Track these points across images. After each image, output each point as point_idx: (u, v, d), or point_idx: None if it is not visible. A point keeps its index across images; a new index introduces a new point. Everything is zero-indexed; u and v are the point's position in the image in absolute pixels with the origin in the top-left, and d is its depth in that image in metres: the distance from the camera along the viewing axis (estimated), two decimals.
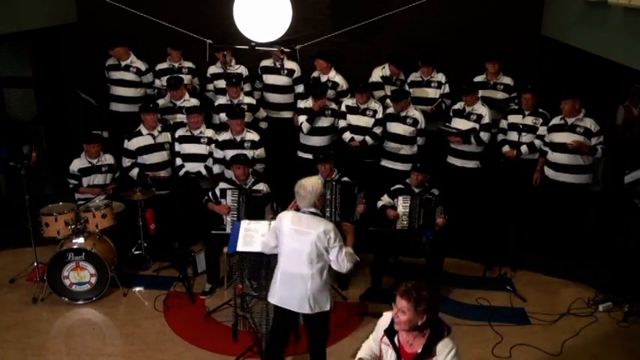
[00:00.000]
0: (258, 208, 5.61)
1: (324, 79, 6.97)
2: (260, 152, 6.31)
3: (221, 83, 7.05)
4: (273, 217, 5.59)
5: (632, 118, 7.39)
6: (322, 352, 4.38)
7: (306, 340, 4.44)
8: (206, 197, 5.81)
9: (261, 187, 5.77)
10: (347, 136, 6.54)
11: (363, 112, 6.52)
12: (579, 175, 5.95)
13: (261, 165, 6.39)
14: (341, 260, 4.05)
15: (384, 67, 6.98)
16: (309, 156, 6.46)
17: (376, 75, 6.99)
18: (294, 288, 4.08)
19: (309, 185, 4.07)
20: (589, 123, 5.87)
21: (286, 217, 4.13)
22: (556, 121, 6.04)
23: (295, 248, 4.06)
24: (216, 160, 6.32)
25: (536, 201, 6.30)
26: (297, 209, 4.18)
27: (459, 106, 6.50)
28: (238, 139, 6.21)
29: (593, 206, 6.39)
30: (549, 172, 6.07)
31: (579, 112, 5.90)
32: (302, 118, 6.57)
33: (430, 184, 5.75)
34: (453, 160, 6.51)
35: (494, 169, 6.52)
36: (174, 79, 6.78)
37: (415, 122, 6.42)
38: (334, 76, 6.97)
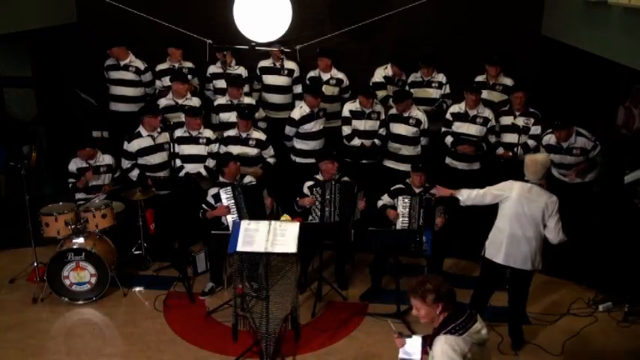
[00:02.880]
0: (256, 197, 5.65)
1: (325, 77, 6.96)
2: (269, 151, 6.36)
3: (220, 83, 7.04)
4: (272, 202, 5.73)
5: (633, 118, 7.38)
6: (523, 309, 5.07)
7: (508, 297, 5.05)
8: (202, 210, 5.78)
9: (249, 178, 5.87)
10: (356, 142, 6.49)
11: (369, 116, 6.48)
12: (585, 175, 5.96)
13: (272, 159, 6.40)
14: (558, 229, 4.62)
15: (386, 68, 6.96)
16: (305, 160, 6.46)
17: (379, 75, 6.97)
18: (520, 247, 4.67)
19: (543, 160, 4.72)
20: (582, 142, 5.86)
21: (514, 185, 4.71)
22: (551, 140, 5.99)
23: (523, 213, 4.62)
24: (217, 156, 6.31)
25: None
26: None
27: (458, 109, 6.44)
28: (244, 135, 6.23)
29: (593, 206, 6.38)
30: (555, 172, 6.08)
31: (571, 136, 5.88)
32: (291, 131, 6.57)
33: (430, 184, 5.75)
34: (453, 163, 6.48)
35: (493, 170, 6.52)
36: (181, 74, 6.82)
37: (418, 122, 6.41)
38: (337, 73, 6.98)
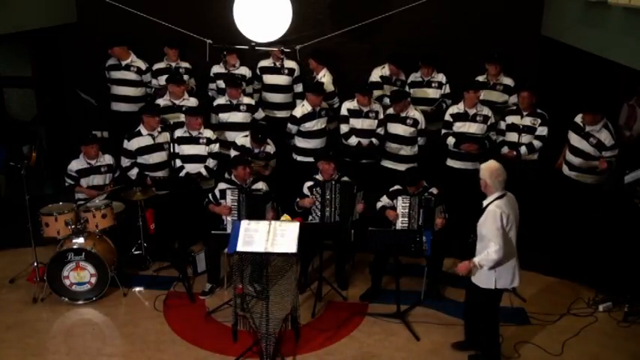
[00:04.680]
0: (259, 207, 5.64)
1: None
2: (272, 163, 6.36)
3: (223, 83, 7.05)
4: (274, 216, 5.61)
5: (635, 116, 7.35)
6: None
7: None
8: (206, 200, 5.82)
9: (260, 185, 5.80)
10: (353, 141, 6.50)
11: (367, 115, 6.48)
12: (593, 176, 5.94)
13: (269, 169, 6.39)
14: None
15: (383, 67, 6.97)
16: (306, 159, 6.47)
17: (375, 75, 6.98)
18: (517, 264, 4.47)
19: (500, 167, 4.37)
20: (604, 136, 5.77)
21: (501, 206, 4.29)
22: (578, 119, 5.97)
23: (517, 226, 4.38)
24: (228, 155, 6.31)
25: (537, 199, 6.31)
26: None
27: (457, 109, 6.43)
28: (256, 150, 6.24)
29: (593, 206, 6.38)
30: (565, 168, 6.09)
31: (597, 123, 5.80)
32: (293, 129, 6.59)
33: (429, 184, 5.74)
34: (453, 163, 6.47)
35: None
36: (178, 75, 6.82)
37: (415, 123, 6.41)
38: (322, 77, 6.92)
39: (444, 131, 6.49)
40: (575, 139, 5.95)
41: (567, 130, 6.07)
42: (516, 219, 4.39)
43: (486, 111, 6.37)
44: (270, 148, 6.33)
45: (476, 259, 4.43)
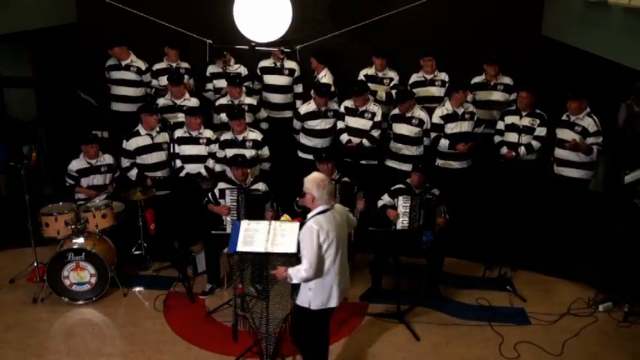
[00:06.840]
0: (258, 207, 5.64)
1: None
2: (264, 151, 6.34)
3: (220, 83, 7.05)
4: (274, 216, 5.61)
5: (634, 116, 7.35)
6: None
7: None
8: (206, 199, 5.83)
9: (260, 186, 5.79)
10: (344, 137, 6.51)
11: (362, 115, 6.48)
12: (580, 170, 5.97)
13: (267, 163, 6.40)
14: None
15: (370, 67, 6.99)
16: (310, 157, 6.47)
17: (361, 75, 7.00)
18: (346, 274, 4.28)
19: (326, 178, 4.16)
20: (587, 122, 5.88)
21: (320, 223, 3.97)
22: (563, 117, 6.09)
23: (342, 242, 4.13)
24: (218, 160, 6.32)
25: (537, 199, 6.30)
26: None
27: (446, 111, 6.35)
28: (240, 138, 6.22)
29: (593, 206, 6.39)
30: (554, 167, 6.11)
31: (582, 111, 5.92)
32: (297, 125, 6.64)
33: (431, 185, 5.74)
34: (446, 163, 6.43)
35: (492, 170, 6.52)
36: (177, 75, 6.81)
37: (421, 123, 6.40)
38: (323, 76, 6.91)
39: (434, 134, 6.44)
40: (561, 133, 6.02)
41: (556, 130, 6.13)
42: (340, 235, 4.05)
43: (471, 107, 6.40)
44: (255, 135, 6.28)
45: (290, 270, 4.06)
